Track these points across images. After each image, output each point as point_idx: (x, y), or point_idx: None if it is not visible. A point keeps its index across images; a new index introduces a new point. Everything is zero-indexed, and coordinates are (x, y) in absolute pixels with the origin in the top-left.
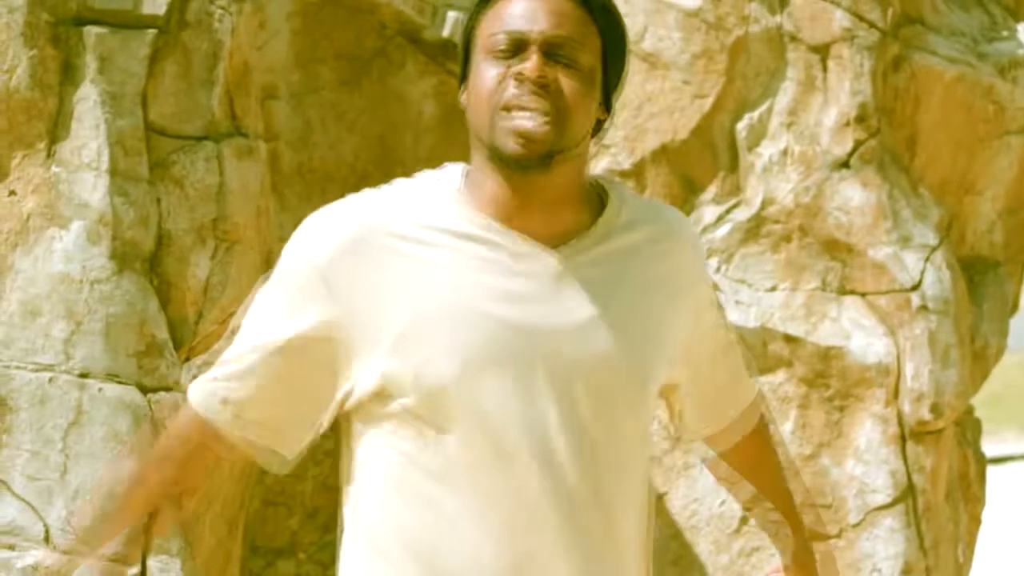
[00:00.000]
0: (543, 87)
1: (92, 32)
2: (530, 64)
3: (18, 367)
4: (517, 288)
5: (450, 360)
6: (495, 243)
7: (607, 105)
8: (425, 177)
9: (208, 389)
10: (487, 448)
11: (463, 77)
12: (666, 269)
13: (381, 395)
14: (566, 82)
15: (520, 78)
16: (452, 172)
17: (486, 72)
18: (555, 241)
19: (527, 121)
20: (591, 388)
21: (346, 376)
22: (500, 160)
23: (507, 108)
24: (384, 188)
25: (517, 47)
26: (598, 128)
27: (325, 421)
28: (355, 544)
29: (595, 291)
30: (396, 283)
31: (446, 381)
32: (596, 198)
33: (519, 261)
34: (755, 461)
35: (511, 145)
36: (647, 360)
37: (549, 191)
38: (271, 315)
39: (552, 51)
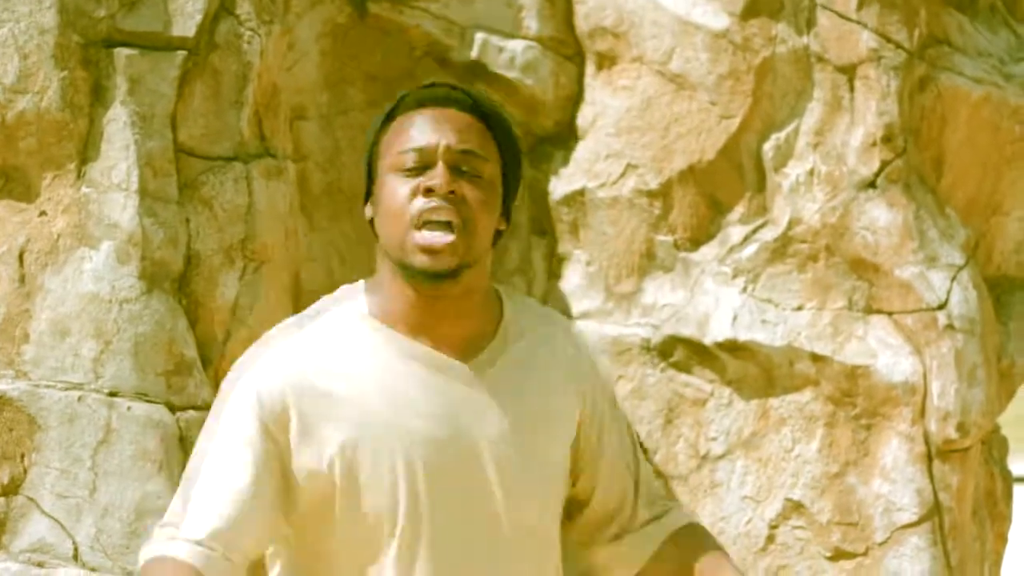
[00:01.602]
0: (451, 199)
1: (122, 54)
2: (439, 179)
3: (48, 386)
4: (435, 403)
5: (380, 488)
6: (410, 366)
7: (507, 215)
8: (328, 308)
9: (198, 545)
10: (412, 561)
11: (368, 192)
12: (557, 371)
13: (316, 527)
14: (472, 194)
15: (429, 192)
16: (354, 295)
17: (396, 189)
18: (463, 349)
19: (438, 237)
20: (510, 495)
21: (287, 508)
22: (411, 274)
23: (418, 223)
24: (295, 329)
25: (424, 162)
26: (497, 237)
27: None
28: None
29: (505, 399)
30: (325, 416)
31: (379, 509)
32: (495, 305)
33: (435, 375)
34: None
35: (422, 260)
36: (553, 462)
37: (457, 302)
38: (228, 462)
39: (458, 164)
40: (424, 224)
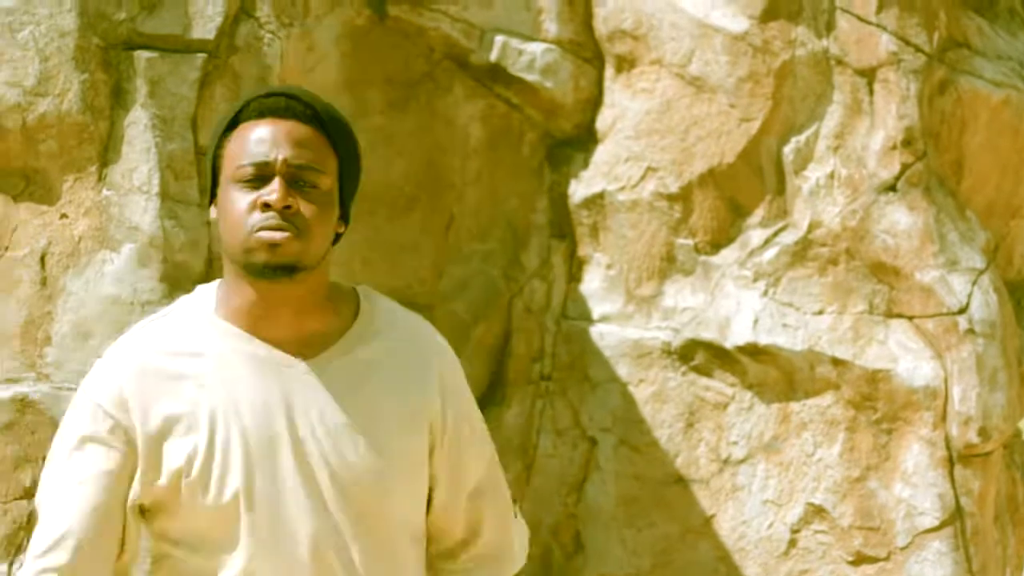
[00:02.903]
0: (287, 212)
1: (142, 57)
2: (275, 195)
3: (70, 388)
4: (269, 398)
5: (211, 481)
6: (252, 361)
7: (345, 217)
8: (181, 306)
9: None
10: (250, 564)
11: (212, 195)
12: (410, 378)
13: (156, 510)
14: (307, 207)
15: (266, 207)
16: (205, 294)
17: (235, 200)
18: (303, 347)
19: (274, 235)
20: (340, 496)
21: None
22: (250, 272)
23: (256, 231)
24: (147, 324)
25: (262, 175)
26: (337, 239)
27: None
28: None
29: (341, 401)
30: (166, 410)
31: (208, 503)
32: (348, 306)
33: (272, 371)
34: None
35: (260, 256)
36: (394, 465)
37: (294, 300)
38: (76, 477)
39: (294, 177)
40: (261, 232)
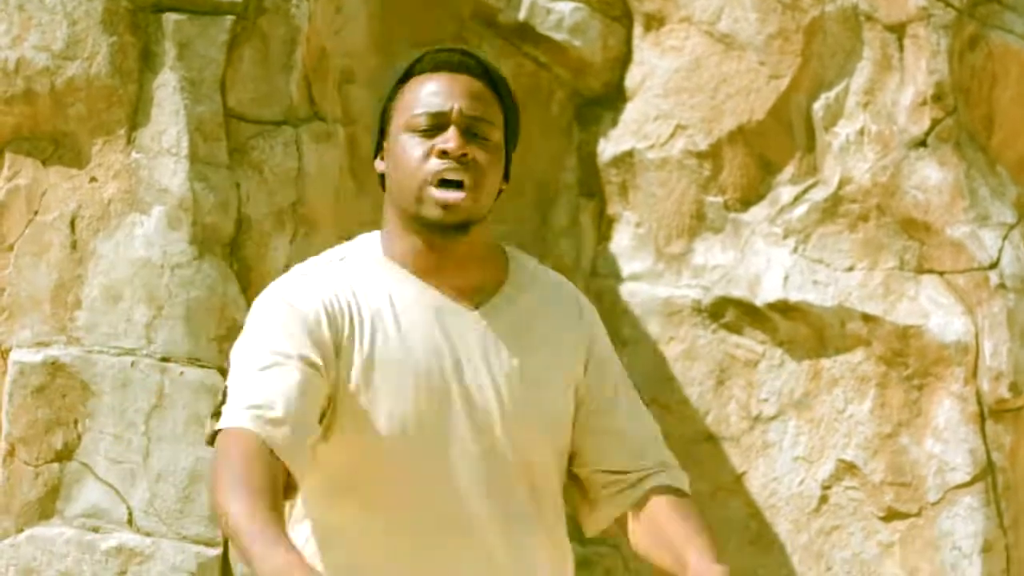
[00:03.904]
0: (463, 161)
1: (171, 19)
2: (452, 142)
3: (100, 352)
4: (445, 342)
5: (382, 415)
6: (420, 299)
7: (506, 175)
8: (345, 251)
9: (254, 416)
10: (411, 499)
11: (379, 147)
12: (562, 324)
13: (326, 439)
14: (481, 155)
15: (443, 154)
16: (369, 240)
17: (410, 148)
18: (470, 296)
19: (451, 194)
20: (512, 438)
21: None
22: (424, 226)
23: (432, 181)
24: (314, 265)
25: (437, 124)
26: (497, 196)
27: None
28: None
29: (507, 348)
30: (342, 344)
31: (380, 434)
32: (499, 259)
33: (445, 316)
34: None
35: (436, 213)
36: (556, 410)
37: (461, 252)
38: (280, 344)
39: (468, 127)
40: (438, 182)
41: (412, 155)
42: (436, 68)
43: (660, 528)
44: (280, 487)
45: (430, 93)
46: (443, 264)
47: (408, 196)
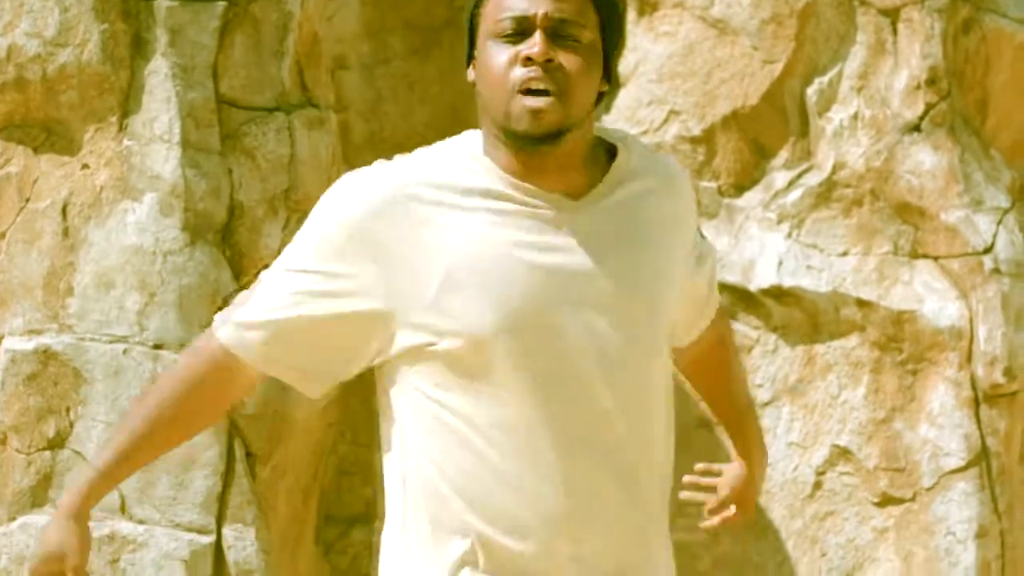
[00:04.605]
0: (549, 67)
1: (162, 5)
2: (537, 47)
3: (92, 339)
4: (542, 239)
5: (488, 309)
6: (518, 199)
7: (608, 76)
8: (446, 143)
9: (238, 327)
10: (529, 393)
11: (470, 56)
12: (668, 210)
13: (421, 349)
14: (570, 59)
15: (528, 61)
16: (471, 137)
17: (495, 55)
18: (567, 192)
19: (538, 101)
20: (617, 327)
21: (380, 335)
22: (513, 136)
23: (518, 89)
24: (409, 155)
25: (522, 29)
26: (600, 98)
27: (353, 372)
28: (406, 488)
29: (610, 237)
30: (429, 242)
31: (486, 329)
32: (604, 153)
33: (541, 213)
34: (719, 367)
35: (524, 123)
36: (663, 295)
37: (558, 159)
38: (305, 267)
39: (555, 31)
40: (523, 90)
41: (497, 62)
42: None
43: (719, 379)
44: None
45: None
46: (538, 172)
47: (496, 106)
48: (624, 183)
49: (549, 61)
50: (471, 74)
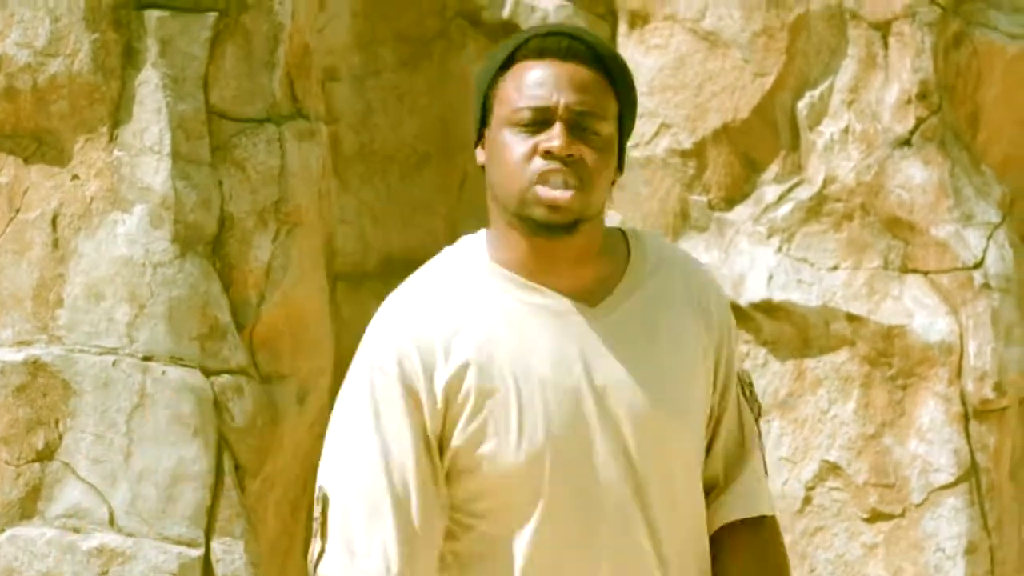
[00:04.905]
0: (570, 161)
1: (153, 16)
2: (557, 141)
3: (82, 351)
4: (562, 348)
5: (514, 437)
6: (535, 304)
7: (620, 166)
8: (451, 255)
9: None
10: (560, 518)
11: (480, 136)
12: (689, 315)
13: (451, 475)
14: (589, 153)
15: (548, 154)
16: (475, 243)
17: (513, 145)
18: (586, 294)
19: (557, 194)
20: (642, 442)
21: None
22: (528, 226)
23: (537, 181)
24: (420, 278)
25: (542, 119)
26: (610, 187)
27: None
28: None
29: (633, 344)
30: (455, 370)
31: (511, 458)
32: (619, 248)
33: (559, 319)
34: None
35: (541, 213)
36: (690, 405)
37: (573, 251)
38: (383, 451)
39: (575, 123)
40: (542, 182)
41: (515, 153)
42: (541, 54)
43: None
44: None
45: (534, 84)
46: (552, 264)
47: (512, 196)
48: (642, 284)
49: (570, 155)
50: (480, 156)
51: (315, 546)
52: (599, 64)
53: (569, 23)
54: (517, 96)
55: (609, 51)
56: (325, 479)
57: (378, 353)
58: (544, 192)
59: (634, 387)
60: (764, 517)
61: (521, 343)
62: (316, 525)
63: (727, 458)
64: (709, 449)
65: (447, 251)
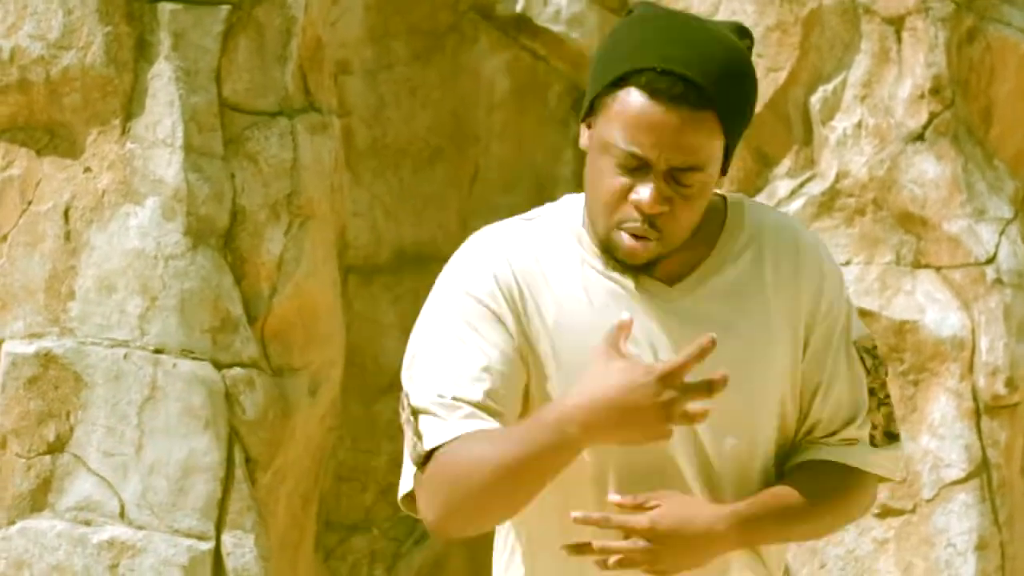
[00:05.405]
0: (656, 218)
1: (166, 9)
2: (648, 199)
3: (93, 343)
4: (641, 328)
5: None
6: (617, 282)
7: (724, 170)
8: (550, 213)
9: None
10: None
11: (588, 111)
12: (777, 291)
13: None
14: (680, 204)
15: (638, 208)
16: (574, 208)
17: (607, 176)
18: (663, 274)
19: (638, 245)
20: (715, 428)
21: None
22: (608, 251)
23: (621, 227)
24: (514, 227)
25: (640, 166)
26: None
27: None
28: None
29: (705, 327)
30: (540, 323)
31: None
32: (715, 220)
33: (641, 300)
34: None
35: (620, 255)
36: (766, 386)
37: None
38: (467, 345)
39: (672, 177)
40: (626, 230)
41: (608, 187)
42: (653, 93)
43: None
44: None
45: (640, 127)
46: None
47: (597, 223)
48: (731, 262)
49: (658, 218)
50: (583, 137)
51: (408, 440)
52: (711, 104)
53: (693, 54)
54: (620, 135)
55: (724, 86)
56: (413, 386)
57: (471, 280)
58: (626, 241)
59: (698, 372)
60: (853, 469)
61: (592, 318)
62: (406, 425)
63: (827, 428)
64: (806, 417)
65: (549, 206)
